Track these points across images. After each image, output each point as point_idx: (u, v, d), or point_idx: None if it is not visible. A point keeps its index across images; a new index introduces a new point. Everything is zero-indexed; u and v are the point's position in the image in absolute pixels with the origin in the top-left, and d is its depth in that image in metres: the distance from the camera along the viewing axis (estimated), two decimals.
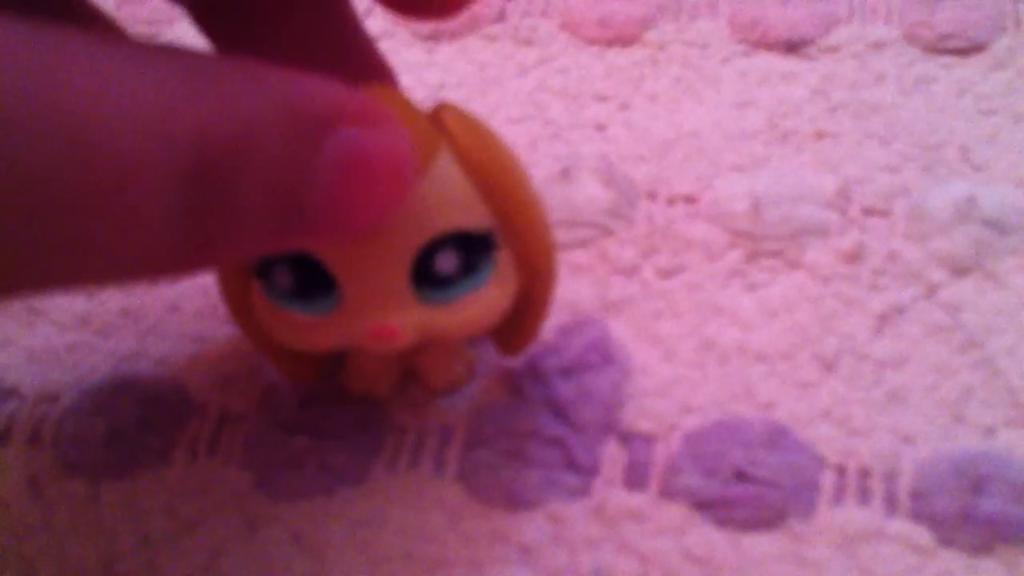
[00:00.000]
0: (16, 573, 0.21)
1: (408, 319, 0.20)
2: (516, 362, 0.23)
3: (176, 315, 0.25)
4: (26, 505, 0.22)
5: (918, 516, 0.21)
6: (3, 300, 0.13)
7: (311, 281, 0.19)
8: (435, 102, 0.20)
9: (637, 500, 0.21)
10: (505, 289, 0.20)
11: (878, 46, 0.29)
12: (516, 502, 0.21)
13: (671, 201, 0.26)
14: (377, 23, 0.32)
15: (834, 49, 0.29)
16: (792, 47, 0.30)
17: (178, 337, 0.24)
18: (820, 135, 0.27)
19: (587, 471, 0.22)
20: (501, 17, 0.31)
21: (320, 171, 0.15)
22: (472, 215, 0.19)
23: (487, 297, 0.20)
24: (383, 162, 0.16)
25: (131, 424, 0.23)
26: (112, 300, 0.25)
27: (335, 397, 0.23)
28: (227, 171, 0.14)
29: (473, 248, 0.19)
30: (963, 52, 0.29)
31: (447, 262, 0.19)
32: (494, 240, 0.20)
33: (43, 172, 0.12)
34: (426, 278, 0.19)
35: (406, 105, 0.19)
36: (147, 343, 0.24)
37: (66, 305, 0.25)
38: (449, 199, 0.19)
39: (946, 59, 0.29)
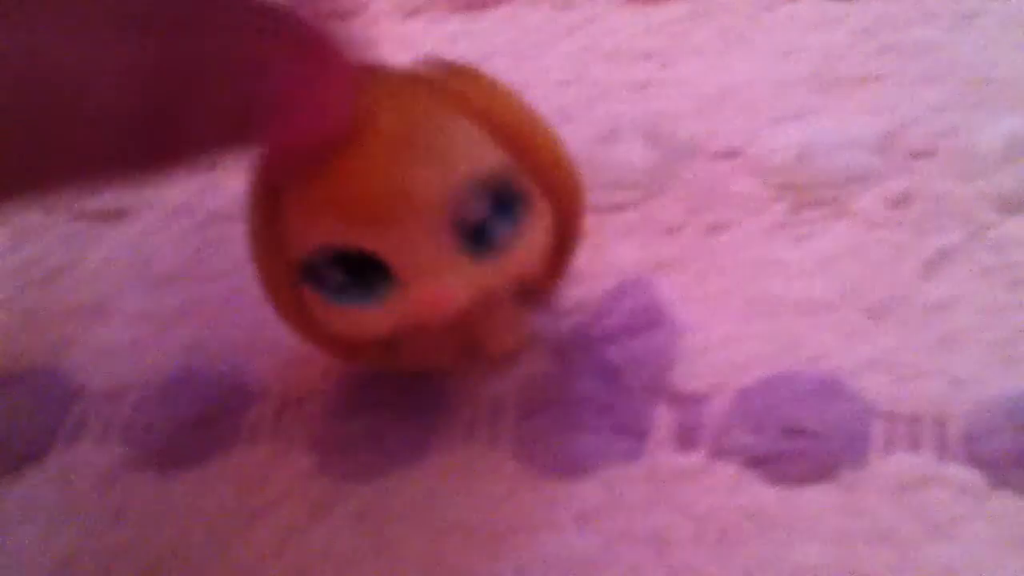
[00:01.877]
0: (92, 569, 0.22)
1: (460, 281, 0.20)
2: (564, 329, 0.24)
3: (233, 305, 0.26)
4: (99, 502, 0.23)
5: (970, 460, 0.21)
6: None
7: (362, 272, 0.20)
8: (442, 67, 0.20)
9: (689, 460, 0.22)
10: (542, 230, 0.21)
11: None
12: (570, 469, 0.22)
13: (715, 157, 0.26)
14: None
15: None
16: None
17: (236, 327, 0.25)
18: (867, 79, 0.27)
19: (639, 434, 0.22)
20: None
21: (257, 96, 0.17)
22: (492, 161, 0.19)
23: (528, 241, 0.21)
24: (306, 94, 0.18)
25: (196, 415, 0.24)
26: (171, 295, 0.26)
27: (390, 377, 0.24)
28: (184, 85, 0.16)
29: (500, 191, 0.20)
30: None
31: (480, 208, 0.20)
32: (518, 180, 0.20)
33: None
34: (466, 234, 0.20)
35: (403, 81, 0.20)
36: (207, 334, 0.25)
37: (128, 302, 0.26)
38: (467, 152, 0.19)
39: None
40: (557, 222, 0.21)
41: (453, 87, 0.19)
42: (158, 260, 0.27)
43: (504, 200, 0.20)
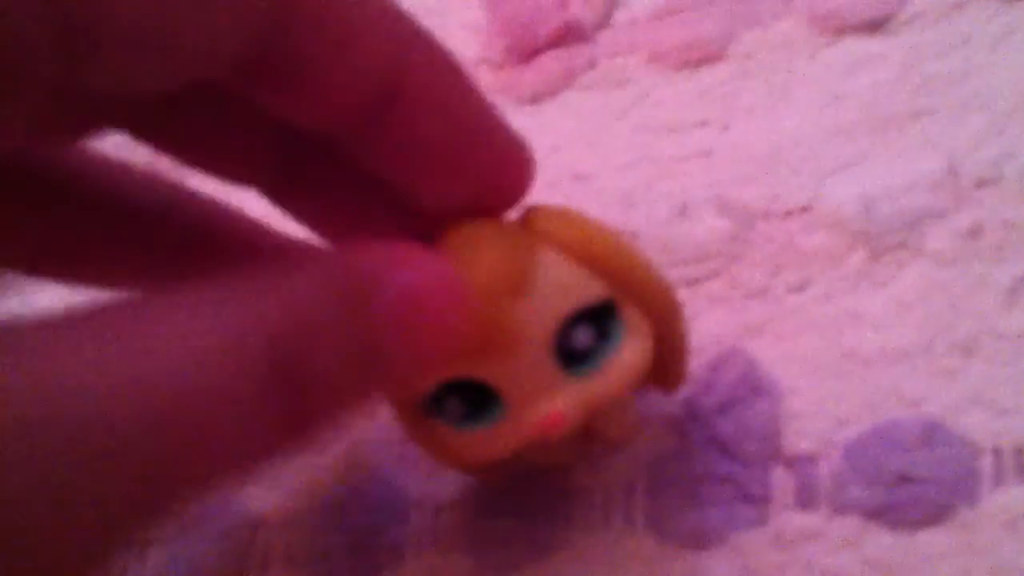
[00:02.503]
0: None
1: (567, 400, 0.22)
2: (676, 407, 0.25)
3: (377, 422, 0.28)
4: None
5: None
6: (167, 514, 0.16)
7: (478, 400, 0.22)
8: (523, 209, 0.22)
9: (811, 519, 0.23)
10: (641, 342, 0.23)
11: (959, 5, 0.30)
12: (703, 541, 0.24)
13: (786, 215, 0.28)
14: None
15: (915, 18, 0.30)
16: (874, 26, 0.30)
17: (384, 442, 0.27)
18: (918, 114, 0.28)
19: (761, 500, 0.24)
20: (592, 65, 0.33)
21: (379, 322, 0.18)
22: (588, 289, 0.22)
23: (627, 355, 0.22)
24: (430, 292, 0.19)
25: (365, 530, 0.26)
26: None
27: (529, 475, 0.26)
28: (300, 355, 0.17)
29: (600, 317, 0.22)
30: None
31: (583, 337, 0.22)
32: (615, 303, 0.22)
33: (140, 435, 0.15)
34: (570, 358, 0.22)
35: (493, 228, 0.22)
36: (358, 453, 0.27)
37: None
38: (564, 284, 0.21)
39: None
40: (661, 335, 0.23)
41: (548, 228, 0.21)
42: None
43: (603, 324, 0.22)
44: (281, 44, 0.18)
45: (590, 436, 0.25)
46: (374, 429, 0.28)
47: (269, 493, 0.27)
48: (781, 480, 0.24)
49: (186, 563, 0.27)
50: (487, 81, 0.34)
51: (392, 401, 0.23)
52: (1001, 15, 0.29)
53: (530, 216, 0.22)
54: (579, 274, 0.21)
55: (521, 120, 0.32)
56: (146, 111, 0.21)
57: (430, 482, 0.26)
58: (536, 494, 0.25)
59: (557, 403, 0.22)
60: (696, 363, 0.26)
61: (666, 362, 0.24)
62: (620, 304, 0.22)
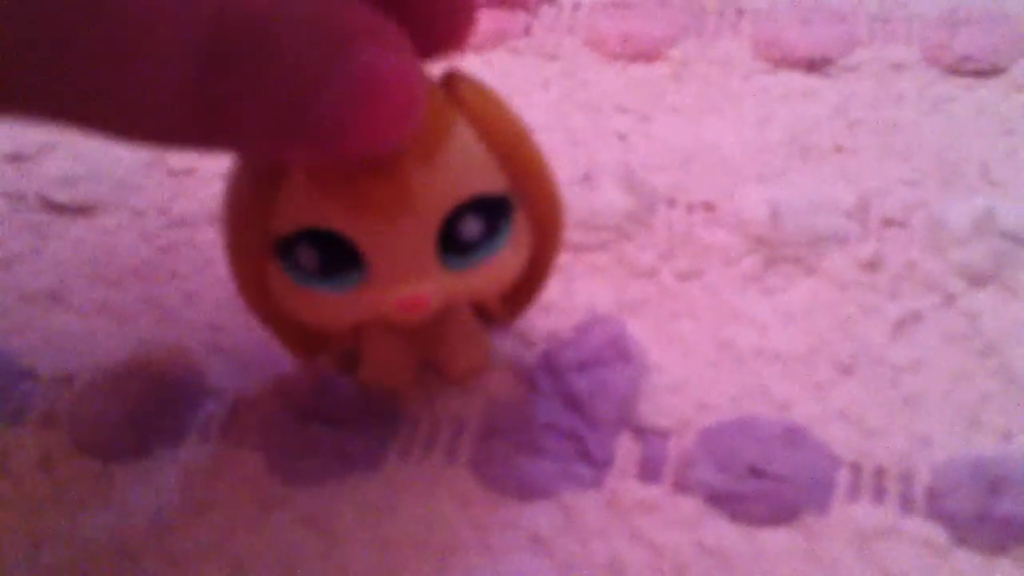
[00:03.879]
0: (25, 549, 0.21)
1: (434, 288, 0.20)
2: (532, 358, 0.23)
3: (195, 305, 0.25)
4: (37, 483, 0.22)
5: (934, 515, 0.20)
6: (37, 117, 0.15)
7: (336, 258, 0.19)
8: (444, 69, 0.20)
9: (651, 492, 0.21)
10: (520, 250, 0.21)
11: (898, 67, 0.30)
12: (529, 492, 0.21)
13: (690, 208, 0.26)
14: None
15: (854, 68, 0.30)
16: (813, 66, 0.30)
17: (196, 326, 0.25)
18: (839, 150, 0.28)
19: (601, 463, 0.22)
20: (527, 32, 0.32)
21: (334, 79, 0.15)
22: (491, 179, 0.19)
23: (505, 258, 0.20)
24: (395, 86, 0.16)
25: (146, 406, 0.23)
26: (133, 288, 0.25)
27: (349, 388, 0.23)
28: (241, 49, 0.15)
29: (494, 212, 0.20)
30: (983, 74, 0.29)
31: (472, 228, 0.20)
32: (512, 203, 0.20)
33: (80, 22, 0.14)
34: (451, 246, 0.20)
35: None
36: (165, 330, 0.24)
37: (86, 292, 0.25)
38: (470, 165, 0.19)
39: (966, 80, 0.29)
40: (536, 248, 0.21)
41: (469, 100, 0.19)
42: (121, 256, 0.26)
43: (493, 221, 0.20)
44: None
45: (436, 366, 0.23)
46: (185, 311, 0.25)
47: (46, 349, 0.24)
48: (627, 448, 0.22)
49: None
50: None
51: (235, 234, 0.20)
52: (938, 84, 0.29)
53: (453, 81, 0.20)
54: (487, 160, 0.19)
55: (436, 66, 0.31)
56: None
57: (235, 376, 0.24)
58: (354, 410, 0.23)
59: (423, 286, 0.20)
60: (564, 322, 0.24)
61: (522, 285, 0.22)
62: (514, 206, 0.20)
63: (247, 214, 0.19)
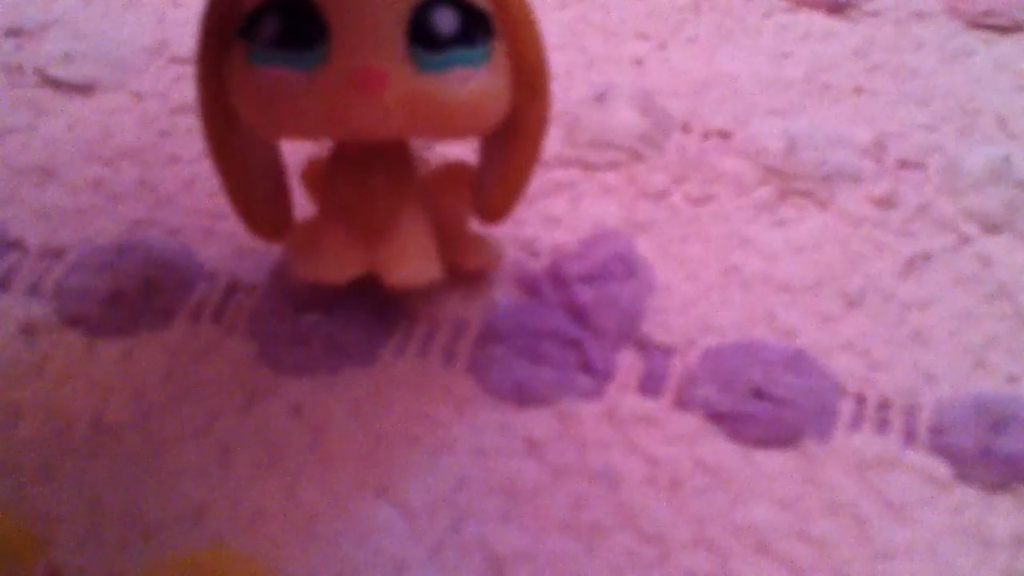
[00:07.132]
0: (3, 417, 0.20)
1: (398, 74, 0.18)
2: (539, 270, 0.23)
3: (192, 190, 0.24)
4: (19, 353, 0.21)
5: (936, 449, 0.20)
6: None
7: (300, 27, 0.18)
8: None
9: (650, 407, 0.21)
10: (498, 83, 0.19)
11: (920, 16, 0.29)
12: (527, 398, 0.21)
13: (705, 135, 0.26)
14: None
15: (876, 14, 0.29)
16: (835, 8, 0.29)
17: (192, 211, 0.24)
18: (858, 90, 0.27)
19: (602, 375, 0.21)
20: None
21: None
22: None
23: (481, 80, 0.19)
24: None
25: (136, 284, 0.22)
26: (129, 170, 0.25)
27: (349, 285, 0.22)
28: None
29: (471, 18, 0.19)
30: (1004, 29, 0.29)
31: (445, 21, 0.19)
32: (492, 25, 0.19)
33: None
34: (422, 38, 0.18)
35: None
36: (160, 213, 0.24)
37: (80, 170, 0.25)
38: None
39: (986, 34, 0.29)
40: (518, 104, 0.20)
41: None
42: (117, 138, 0.25)
43: (470, 27, 0.19)
44: None
45: (377, 268, 0.21)
46: (181, 195, 0.24)
47: (35, 222, 0.24)
48: (629, 362, 0.21)
49: None
50: None
51: (208, 24, 0.19)
52: (959, 36, 0.29)
53: None
54: None
55: None
56: None
57: (231, 262, 0.23)
58: (351, 304, 0.22)
59: (383, 62, 0.18)
60: (572, 236, 0.24)
61: (504, 169, 0.21)
62: (494, 31, 0.19)
63: None
